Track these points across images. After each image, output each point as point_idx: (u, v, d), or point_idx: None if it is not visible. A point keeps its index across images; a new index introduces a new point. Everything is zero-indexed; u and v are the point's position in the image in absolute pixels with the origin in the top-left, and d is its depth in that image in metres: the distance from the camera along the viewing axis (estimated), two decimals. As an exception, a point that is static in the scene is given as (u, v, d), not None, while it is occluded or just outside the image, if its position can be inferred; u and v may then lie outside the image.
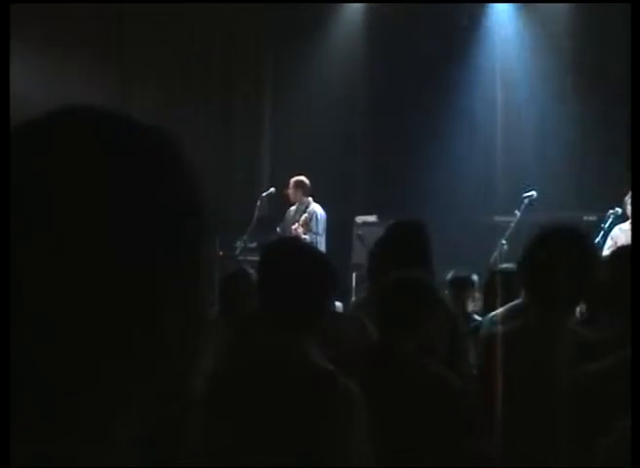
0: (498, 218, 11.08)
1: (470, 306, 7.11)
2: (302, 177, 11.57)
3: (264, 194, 11.78)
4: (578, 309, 4.30)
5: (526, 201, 10.44)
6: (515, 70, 13.00)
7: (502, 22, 13.21)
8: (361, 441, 2.95)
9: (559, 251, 3.53)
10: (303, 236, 10.78)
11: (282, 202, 11.78)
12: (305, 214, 11.32)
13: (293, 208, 11.70)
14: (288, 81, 13.80)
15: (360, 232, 11.51)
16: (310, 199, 11.54)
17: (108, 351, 0.89)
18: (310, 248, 3.60)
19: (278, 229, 11.55)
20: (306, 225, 11.19)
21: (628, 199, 9.53)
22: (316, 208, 11.44)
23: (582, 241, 3.69)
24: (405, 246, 4.74)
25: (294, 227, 11.18)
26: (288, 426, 2.91)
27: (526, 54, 12.94)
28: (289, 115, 13.77)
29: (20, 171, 0.91)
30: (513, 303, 5.07)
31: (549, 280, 3.49)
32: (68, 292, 0.88)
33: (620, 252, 3.75)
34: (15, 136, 0.95)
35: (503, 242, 10.04)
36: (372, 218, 11.99)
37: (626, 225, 9.61)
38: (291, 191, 11.59)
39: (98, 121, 0.97)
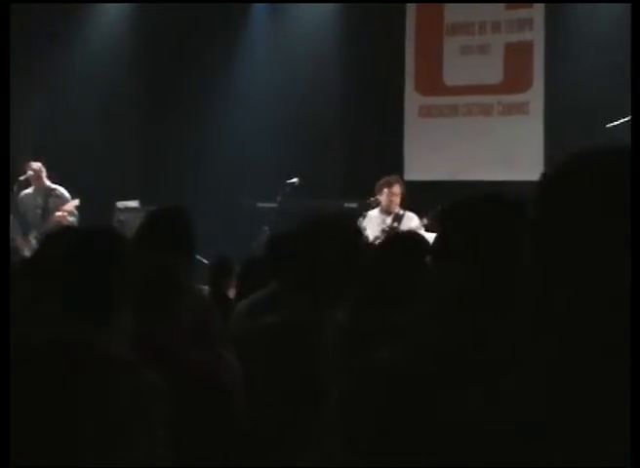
0: (261, 204, 11.10)
1: (232, 293, 7.09)
2: (40, 164, 11.35)
3: (22, 178, 11.42)
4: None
5: (288, 188, 10.53)
6: (283, 61, 13.09)
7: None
8: (160, 435, 2.83)
9: (322, 238, 3.51)
10: (69, 219, 10.75)
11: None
12: (74, 201, 11.11)
13: (28, 191, 11.38)
14: (52, 65, 13.41)
15: (121, 218, 11.32)
16: (49, 182, 11.31)
17: None
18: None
19: (11, 217, 11.23)
20: (71, 210, 11.05)
21: (381, 185, 9.91)
22: (63, 191, 11.24)
23: (344, 228, 3.68)
24: (163, 232, 4.62)
25: (59, 214, 10.94)
26: (78, 422, 2.76)
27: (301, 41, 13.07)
28: (51, 99, 13.42)
29: None
30: (266, 291, 5.03)
31: (314, 267, 3.46)
32: None
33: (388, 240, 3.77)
34: None
35: (266, 228, 10.07)
36: (134, 204, 11.81)
37: (374, 212, 9.91)
38: (33, 175, 11.28)
39: None
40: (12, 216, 11.17)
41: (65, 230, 4.03)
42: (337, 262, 3.46)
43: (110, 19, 13.67)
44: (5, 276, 3.39)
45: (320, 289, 3.45)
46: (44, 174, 11.30)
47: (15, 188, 11.28)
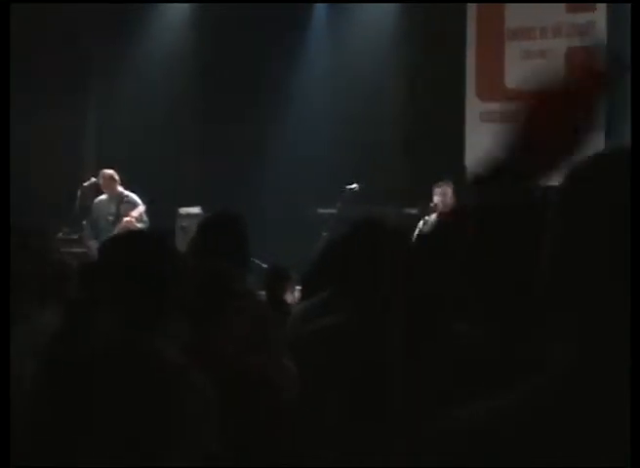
0: (321, 210, 11.14)
1: (290, 298, 7.12)
2: (112, 171, 11.45)
3: (86, 184, 11.57)
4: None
5: (348, 194, 10.55)
6: (344, 62, 13.10)
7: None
8: (210, 437, 2.86)
9: (370, 244, 3.51)
10: (137, 225, 10.88)
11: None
12: (140, 207, 11.23)
13: (103, 197, 11.50)
14: (115, 66, 13.56)
15: (184, 224, 11.47)
16: (121, 188, 11.43)
17: None
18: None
19: (84, 222, 11.39)
20: (140, 216, 11.17)
21: (436, 189, 9.94)
22: (135, 197, 11.36)
23: (394, 234, 3.67)
24: (217, 237, 4.69)
25: (127, 219, 11.07)
26: (130, 423, 2.80)
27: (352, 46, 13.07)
28: (115, 101, 13.57)
29: None
30: (322, 295, 5.05)
31: (361, 273, 3.46)
32: None
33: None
34: None
35: (325, 234, 10.11)
36: (196, 210, 11.94)
37: (434, 217, 9.89)
38: (104, 183, 11.42)
39: None
40: (84, 222, 11.39)
41: (126, 236, 4.07)
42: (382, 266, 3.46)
43: (172, 20, 13.79)
44: (5, 275, 3.44)
45: (365, 293, 3.46)
46: (117, 180, 11.42)
47: (78, 194, 11.45)
